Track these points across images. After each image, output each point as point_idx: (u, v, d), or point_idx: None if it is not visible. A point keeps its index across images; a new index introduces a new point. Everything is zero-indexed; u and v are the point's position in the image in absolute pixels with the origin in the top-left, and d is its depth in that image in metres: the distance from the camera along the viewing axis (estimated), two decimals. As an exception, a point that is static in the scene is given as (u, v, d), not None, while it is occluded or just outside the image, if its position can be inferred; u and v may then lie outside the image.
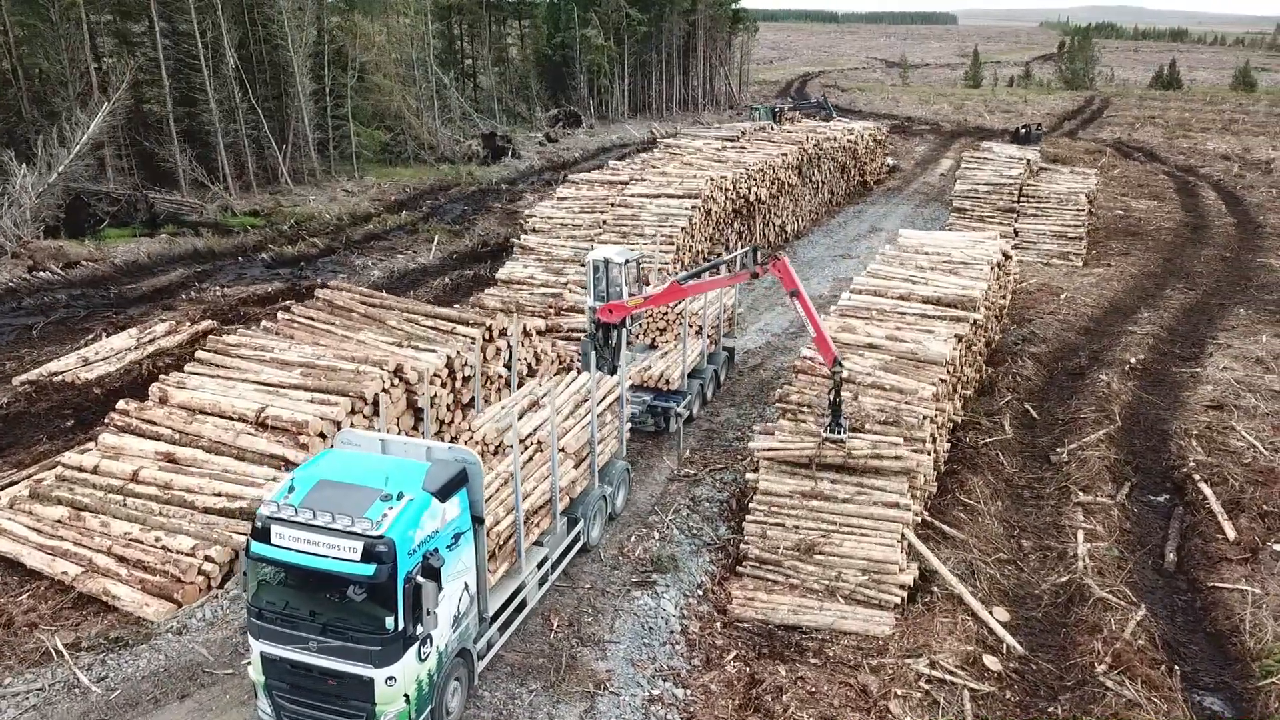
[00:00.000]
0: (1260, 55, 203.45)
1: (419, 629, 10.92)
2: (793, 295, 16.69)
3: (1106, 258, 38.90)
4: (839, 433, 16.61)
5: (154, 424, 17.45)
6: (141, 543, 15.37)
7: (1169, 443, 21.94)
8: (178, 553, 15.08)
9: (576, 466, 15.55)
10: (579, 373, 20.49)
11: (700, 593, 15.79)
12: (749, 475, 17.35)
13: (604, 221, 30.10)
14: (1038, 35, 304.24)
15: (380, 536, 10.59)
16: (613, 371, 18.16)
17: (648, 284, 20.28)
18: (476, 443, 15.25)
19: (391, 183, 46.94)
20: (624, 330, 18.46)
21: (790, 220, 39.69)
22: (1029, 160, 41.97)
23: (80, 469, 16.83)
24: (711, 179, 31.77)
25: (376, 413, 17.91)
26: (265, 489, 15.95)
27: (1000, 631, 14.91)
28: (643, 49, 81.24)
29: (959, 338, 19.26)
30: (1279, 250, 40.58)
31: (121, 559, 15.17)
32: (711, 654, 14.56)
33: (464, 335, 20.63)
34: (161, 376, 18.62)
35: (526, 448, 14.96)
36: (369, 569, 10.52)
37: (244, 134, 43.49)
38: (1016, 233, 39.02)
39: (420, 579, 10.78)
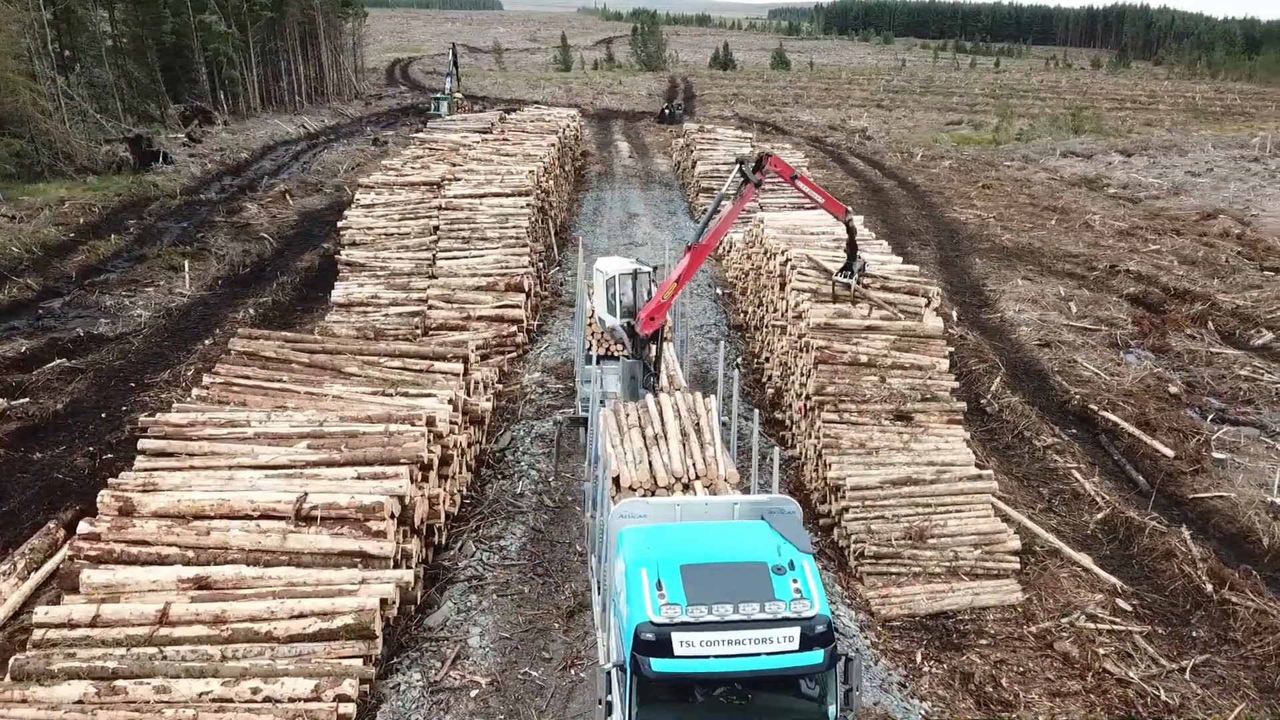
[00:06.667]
0: (772, 38, 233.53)
1: (849, 714, 9.44)
2: (793, 179, 17.99)
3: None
4: (849, 278, 19.47)
5: (147, 544, 13.04)
6: (232, 701, 11.51)
7: (1049, 380, 24.91)
8: (292, 701, 11.52)
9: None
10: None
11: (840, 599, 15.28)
12: (830, 475, 16.98)
13: (436, 227, 27.31)
14: (587, 21, 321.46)
15: (815, 616, 8.97)
16: (654, 388, 16.74)
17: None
18: (626, 489, 13.38)
19: (73, 202, 38.38)
20: (661, 337, 17.06)
21: (557, 213, 38.75)
22: (752, 139, 44.80)
23: (69, 624, 12.13)
24: (529, 174, 30.08)
25: (425, 478, 14.96)
26: (361, 594, 12.71)
27: (1105, 575, 16.11)
28: (268, 37, 73.91)
29: (936, 311, 20.24)
30: (954, 205, 47.27)
31: (218, 729, 11.27)
32: (900, 658, 14.20)
33: (442, 372, 17.87)
34: (111, 480, 13.89)
35: (687, 486, 13.41)
36: (816, 657, 8.86)
37: None
38: (761, 207, 41.44)
39: (849, 654, 9.31)
